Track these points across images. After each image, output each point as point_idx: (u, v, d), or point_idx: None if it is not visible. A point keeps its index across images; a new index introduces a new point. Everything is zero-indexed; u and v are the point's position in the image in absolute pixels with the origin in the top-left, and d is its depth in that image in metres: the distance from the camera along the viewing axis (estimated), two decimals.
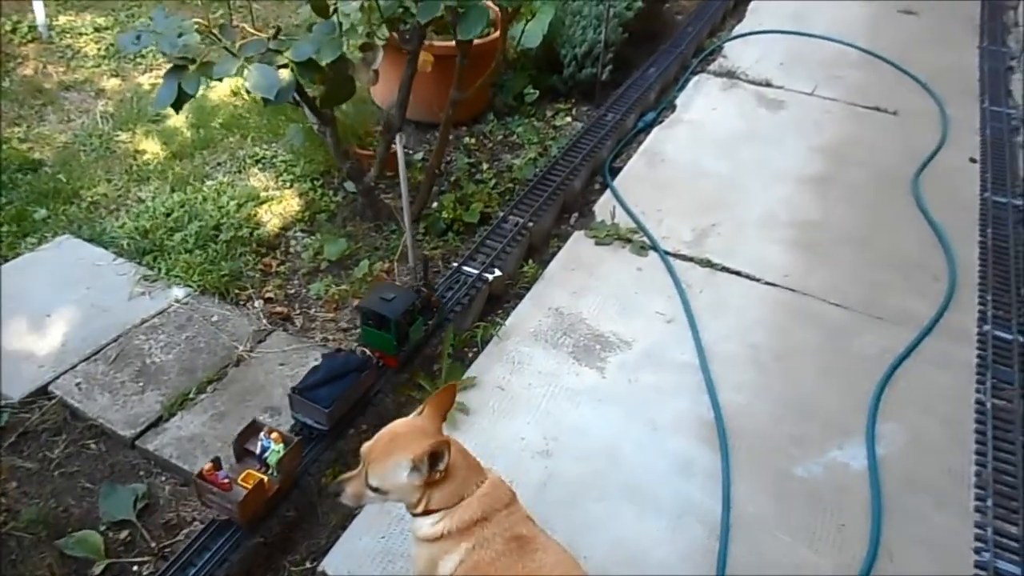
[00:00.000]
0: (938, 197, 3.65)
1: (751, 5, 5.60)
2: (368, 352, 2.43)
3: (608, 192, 3.58)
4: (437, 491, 1.59)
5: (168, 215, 3.32)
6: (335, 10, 2.64)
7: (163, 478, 2.34)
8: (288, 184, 3.55)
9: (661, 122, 4.19)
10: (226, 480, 1.97)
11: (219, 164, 3.77)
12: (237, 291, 2.94)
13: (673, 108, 4.30)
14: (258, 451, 2.06)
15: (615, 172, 3.75)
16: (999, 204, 3.62)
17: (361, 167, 3.14)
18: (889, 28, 5.38)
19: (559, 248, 3.25)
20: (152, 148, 3.85)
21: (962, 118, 4.32)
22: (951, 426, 2.52)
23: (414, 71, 2.82)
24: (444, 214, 3.30)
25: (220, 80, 2.50)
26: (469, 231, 3.32)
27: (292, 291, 3.00)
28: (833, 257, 3.25)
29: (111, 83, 4.42)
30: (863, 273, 3.17)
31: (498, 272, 2.87)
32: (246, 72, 2.40)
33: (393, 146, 2.70)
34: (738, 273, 3.13)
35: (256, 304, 2.90)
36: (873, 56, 4.96)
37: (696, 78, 4.60)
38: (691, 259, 3.19)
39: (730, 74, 4.65)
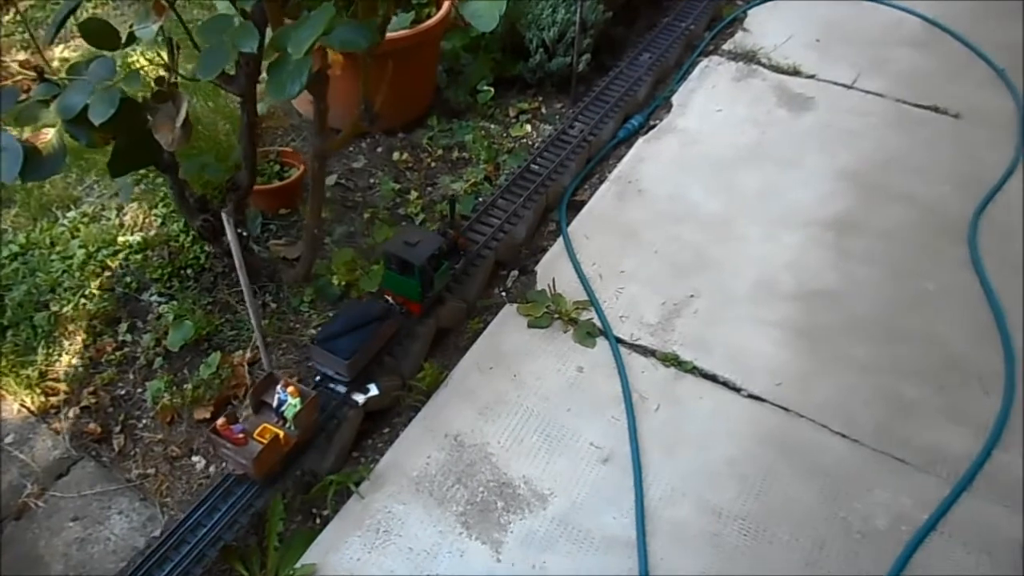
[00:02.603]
0: (1002, 252, 2.75)
1: None
2: (390, 299, 2.32)
3: (560, 241, 2.78)
4: None
5: (1, 267, 2.65)
6: (130, 38, 1.86)
7: None
8: (159, 220, 2.83)
9: (652, 127, 3.31)
10: (241, 435, 1.91)
11: (96, 182, 3.06)
12: (45, 396, 2.27)
13: (669, 107, 3.41)
14: (275, 404, 1.97)
15: (577, 208, 2.93)
16: None
17: (220, 225, 2.40)
18: None
19: (484, 326, 2.49)
20: None
21: None
22: None
23: (252, 118, 2.04)
24: (335, 279, 2.55)
25: None
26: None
27: (123, 391, 2.32)
28: (846, 353, 2.42)
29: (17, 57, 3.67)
30: (885, 380, 2.35)
31: (374, 391, 2.14)
32: None
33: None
34: (713, 378, 2.34)
35: (70, 415, 2.24)
36: (939, 28, 3.92)
37: (704, 62, 3.66)
38: (652, 352, 2.41)
39: (749, 56, 3.69)
